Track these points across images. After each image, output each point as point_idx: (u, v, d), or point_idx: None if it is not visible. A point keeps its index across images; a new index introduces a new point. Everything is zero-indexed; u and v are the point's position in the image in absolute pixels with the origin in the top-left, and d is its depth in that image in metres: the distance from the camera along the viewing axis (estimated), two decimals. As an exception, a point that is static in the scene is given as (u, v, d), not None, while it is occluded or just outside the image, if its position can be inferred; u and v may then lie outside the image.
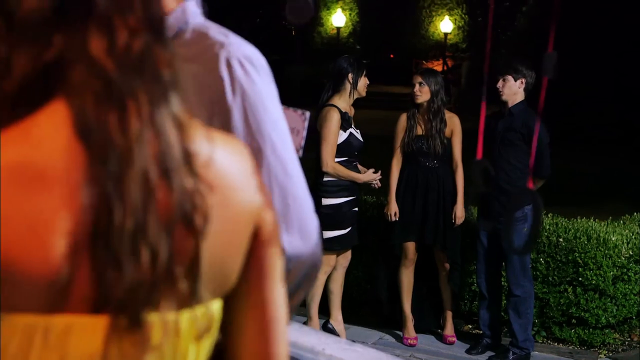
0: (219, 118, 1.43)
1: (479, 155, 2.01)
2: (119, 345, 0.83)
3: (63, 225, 0.81)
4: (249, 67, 1.45)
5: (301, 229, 1.46)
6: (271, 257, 0.99)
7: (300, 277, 1.47)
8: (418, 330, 5.84)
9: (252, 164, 0.98)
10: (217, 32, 1.49)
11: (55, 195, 0.81)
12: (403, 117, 5.72)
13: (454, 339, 5.78)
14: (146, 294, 0.83)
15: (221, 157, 0.92)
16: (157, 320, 0.85)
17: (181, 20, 1.50)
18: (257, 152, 1.43)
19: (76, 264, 0.81)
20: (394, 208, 5.66)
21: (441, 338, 5.83)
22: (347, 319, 5.78)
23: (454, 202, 5.62)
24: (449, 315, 5.79)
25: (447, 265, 5.66)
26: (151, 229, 0.82)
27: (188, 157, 0.86)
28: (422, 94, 5.58)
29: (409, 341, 5.73)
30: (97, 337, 0.83)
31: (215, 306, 0.94)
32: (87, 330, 0.84)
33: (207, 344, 0.94)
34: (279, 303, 1.01)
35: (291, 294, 1.46)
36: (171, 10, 1.51)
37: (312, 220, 1.48)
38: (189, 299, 0.87)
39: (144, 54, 0.85)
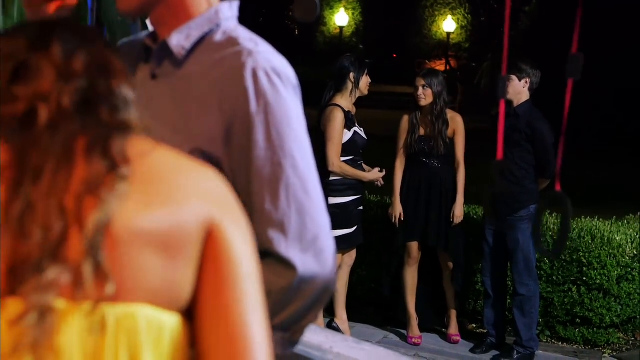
0: (240, 128, 1.40)
1: (499, 155, 2.01)
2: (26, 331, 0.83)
3: None
4: (275, 80, 1.41)
5: (316, 250, 1.42)
6: (232, 270, 0.96)
7: (312, 298, 1.43)
8: (422, 329, 5.84)
9: (221, 184, 1.00)
10: (247, 38, 1.47)
11: None
12: (405, 118, 5.72)
13: (458, 337, 5.80)
14: (38, 264, 0.84)
15: (161, 159, 0.96)
16: (67, 309, 0.86)
17: (213, 22, 1.49)
18: (276, 167, 1.40)
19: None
20: (398, 209, 5.67)
21: (445, 337, 5.84)
22: (352, 318, 5.79)
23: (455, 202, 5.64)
24: (453, 314, 5.80)
25: (451, 265, 5.67)
26: (41, 203, 0.87)
27: (107, 143, 0.92)
28: (426, 96, 5.59)
29: (414, 340, 5.74)
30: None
31: (167, 318, 0.92)
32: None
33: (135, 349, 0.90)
34: (249, 322, 0.96)
35: (302, 315, 1.44)
36: (203, 11, 1.49)
37: (328, 242, 1.44)
38: (107, 290, 0.86)
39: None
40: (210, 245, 0.95)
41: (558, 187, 1.84)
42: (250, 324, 0.95)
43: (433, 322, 5.97)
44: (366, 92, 5.55)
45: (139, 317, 0.90)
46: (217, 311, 0.95)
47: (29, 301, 0.83)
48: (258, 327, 0.96)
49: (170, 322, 0.93)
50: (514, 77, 5.39)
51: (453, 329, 5.80)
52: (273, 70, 1.42)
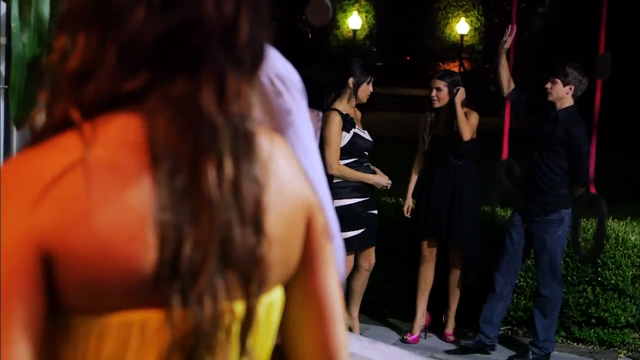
0: None
1: (504, 155, 2.03)
2: (202, 335, 0.84)
3: (151, 218, 0.83)
4: (280, 86, 1.42)
5: None
6: (323, 248, 1.03)
7: None
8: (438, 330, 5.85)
9: (298, 161, 1.05)
10: None
11: (137, 191, 0.83)
12: (423, 119, 5.78)
13: (453, 337, 5.80)
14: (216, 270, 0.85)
15: (279, 153, 0.99)
16: (238, 309, 0.89)
17: None
18: None
19: (164, 254, 0.83)
20: (408, 203, 5.79)
21: (442, 336, 5.83)
22: (366, 320, 5.80)
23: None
24: (452, 312, 5.79)
25: (461, 261, 5.68)
26: (236, 227, 0.87)
27: (254, 149, 0.91)
28: (439, 99, 5.64)
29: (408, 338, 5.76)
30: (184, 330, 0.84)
31: (279, 293, 0.99)
32: (178, 324, 0.83)
33: (270, 333, 0.97)
34: (334, 294, 1.04)
35: None
36: None
37: (338, 247, 1.45)
38: (262, 285, 0.90)
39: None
40: (310, 226, 1.01)
41: (592, 189, 1.83)
42: (336, 298, 1.04)
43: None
44: (364, 100, 5.50)
45: (277, 303, 0.97)
46: (314, 286, 1.02)
47: (202, 310, 0.84)
48: (339, 300, 1.06)
49: (282, 296, 1.00)
50: (558, 81, 5.34)
51: (450, 328, 5.82)
52: (277, 77, 1.42)
